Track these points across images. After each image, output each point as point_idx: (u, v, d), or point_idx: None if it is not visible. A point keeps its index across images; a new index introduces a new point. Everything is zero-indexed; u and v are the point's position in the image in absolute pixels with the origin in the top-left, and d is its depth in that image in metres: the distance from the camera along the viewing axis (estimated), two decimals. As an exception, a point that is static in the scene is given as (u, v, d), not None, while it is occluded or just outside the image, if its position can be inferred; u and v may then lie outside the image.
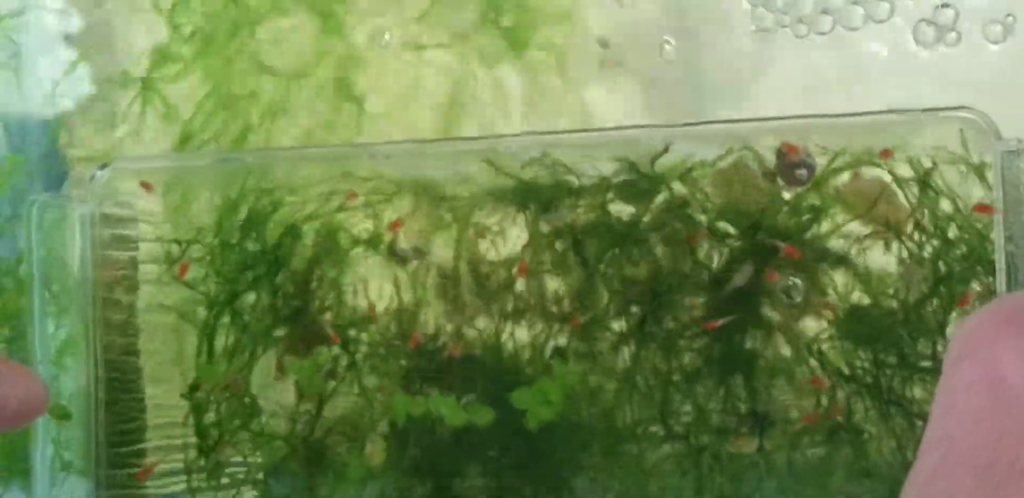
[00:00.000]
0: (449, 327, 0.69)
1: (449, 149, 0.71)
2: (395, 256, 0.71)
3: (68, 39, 0.78)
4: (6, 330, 0.76)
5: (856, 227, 0.64)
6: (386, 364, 0.70)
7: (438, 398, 0.68)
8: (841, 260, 0.64)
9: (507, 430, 0.68)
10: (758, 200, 0.65)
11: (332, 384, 0.71)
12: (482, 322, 0.69)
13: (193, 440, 0.73)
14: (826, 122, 0.64)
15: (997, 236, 0.59)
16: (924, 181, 0.62)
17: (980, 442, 0.35)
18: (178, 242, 0.73)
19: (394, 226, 0.70)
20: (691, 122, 0.67)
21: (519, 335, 0.68)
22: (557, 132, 0.70)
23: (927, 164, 0.62)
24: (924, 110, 0.61)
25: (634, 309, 0.67)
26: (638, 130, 0.68)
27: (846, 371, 0.64)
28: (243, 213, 0.72)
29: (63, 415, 0.71)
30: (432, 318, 0.70)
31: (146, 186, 0.73)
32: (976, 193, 0.60)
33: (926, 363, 0.62)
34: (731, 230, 0.65)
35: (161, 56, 0.76)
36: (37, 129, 0.78)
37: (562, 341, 0.68)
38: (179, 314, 0.73)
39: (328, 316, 0.71)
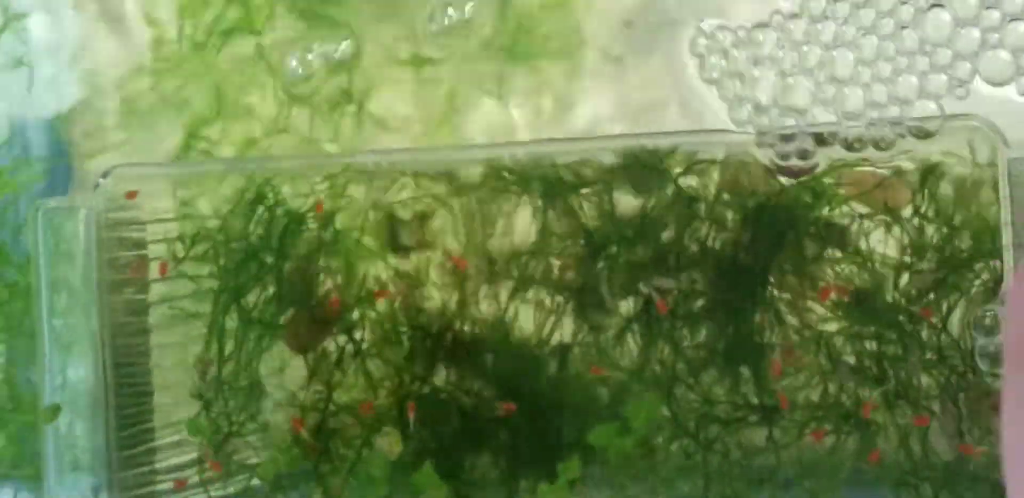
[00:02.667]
0: (453, 310, 0.70)
1: (452, 157, 0.71)
2: (397, 248, 0.71)
3: (68, 40, 0.78)
4: (18, 333, 0.76)
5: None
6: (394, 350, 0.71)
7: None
8: (843, 239, 0.65)
9: (520, 418, 0.69)
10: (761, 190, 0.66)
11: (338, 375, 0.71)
12: (488, 307, 0.70)
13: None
14: (832, 130, 0.65)
15: (1005, 242, 0.60)
16: (927, 175, 0.63)
17: None
18: (181, 240, 0.73)
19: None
20: (695, 130, 0.68)
21: (526, 321, 0.69)
22: (563, 140, 0.70)
23: (932, 166, 0.63)
24: (931, 117, 0.63)
25: (640, 296, 0.68)
26: (644, 137, 0.69)
27: (852, 361, 0.65)
28: (247, 210, 0.72)
29: (52, 415, 0.71)
30: (437, 302, 0.70)
31: (130, 195, 0.73)
32: (983, 199, 0.62)
33: (931, 354, 0.64)
34: (731, 217, 0.66)
35: (161, 58, 0.76)
36: (41, 131, 0.77)
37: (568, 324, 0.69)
38: (188, 313, 0.73)
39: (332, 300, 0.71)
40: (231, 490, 0.73)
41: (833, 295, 0.65)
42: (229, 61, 0.75)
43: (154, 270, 0.73)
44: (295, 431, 0.71)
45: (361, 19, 0.74)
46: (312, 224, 0.71)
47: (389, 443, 0.70)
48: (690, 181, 0.67)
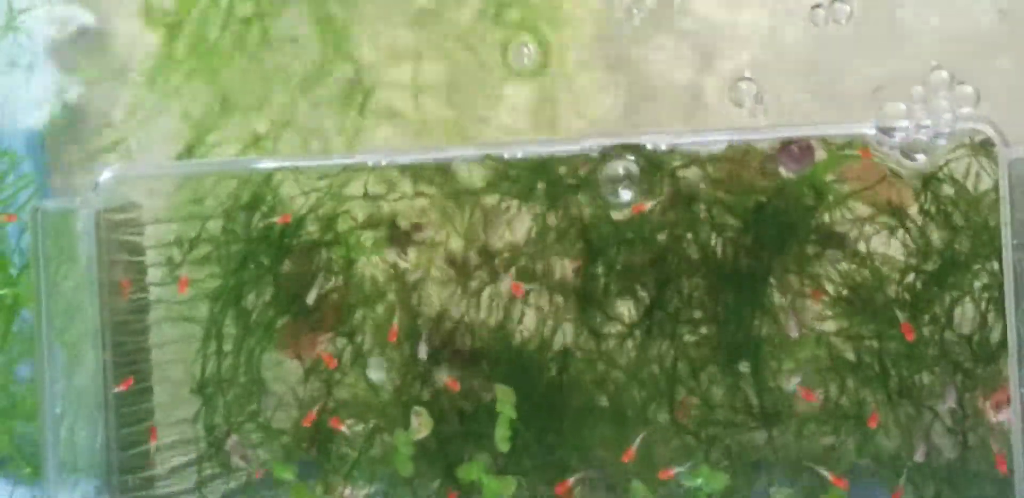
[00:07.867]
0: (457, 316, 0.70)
1: (454, 156, 0.71)
2: (396, 246, 0.71)
3: (68, 42, 0.78)
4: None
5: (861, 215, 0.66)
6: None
7: None
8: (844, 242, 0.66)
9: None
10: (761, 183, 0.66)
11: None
12: (489, 311, 0.70)
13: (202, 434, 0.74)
14: (834, 130, 0.65)
15: (1004, 240, 0.60)
16: (929, 179, 0.64)
17: None
18: (180, 244, 0.73)
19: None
20: (699, 129, 0.69)
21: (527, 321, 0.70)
22: (563, 140, 0.70)
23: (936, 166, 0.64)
24: (933, 118, 0.63)
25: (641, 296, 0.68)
26: (645, 136, 0.69)
27: (852, 358, 0.65)
28: (246, 215, 0.73)
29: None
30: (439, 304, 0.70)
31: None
32: (984, 198, 0.63)
33: (933, 351, 0.64)
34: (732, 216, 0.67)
35: (164, 59, 0.76)
36: (41, 131, 0.78)
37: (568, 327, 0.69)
38: (186, 316, 0.73)
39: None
40: (232, 485, 0.73)
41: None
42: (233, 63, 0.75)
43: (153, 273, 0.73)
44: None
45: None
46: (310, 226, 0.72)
47: (419, 425, 0.70)
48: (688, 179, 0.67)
